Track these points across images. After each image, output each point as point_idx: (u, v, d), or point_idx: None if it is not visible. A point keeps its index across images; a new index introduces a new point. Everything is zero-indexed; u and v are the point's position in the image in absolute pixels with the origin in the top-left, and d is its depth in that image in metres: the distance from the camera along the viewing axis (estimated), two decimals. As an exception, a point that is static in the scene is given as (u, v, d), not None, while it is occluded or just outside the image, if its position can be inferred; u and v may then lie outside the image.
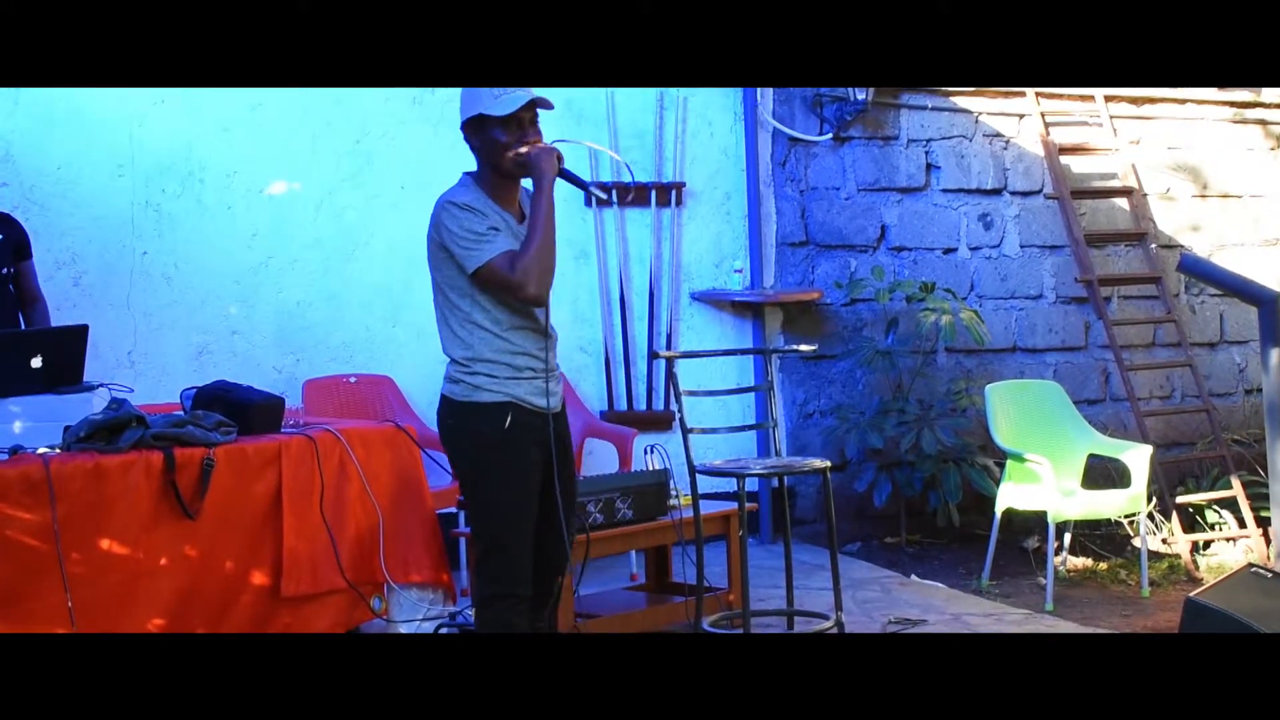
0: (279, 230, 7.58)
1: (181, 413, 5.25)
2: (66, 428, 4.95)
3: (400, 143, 7.71)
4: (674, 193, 8.29)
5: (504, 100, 4.43)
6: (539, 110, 4.53)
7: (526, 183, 4.57)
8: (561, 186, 4.55)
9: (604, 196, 4.90)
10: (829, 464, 5.75)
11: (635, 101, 8.24)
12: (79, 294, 7.09)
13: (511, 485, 4.47)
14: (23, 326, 6.21)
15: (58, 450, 4.86)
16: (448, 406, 4.52)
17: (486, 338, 4.43)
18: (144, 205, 7.32)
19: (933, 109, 8.88)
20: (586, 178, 7.79)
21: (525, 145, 4.48)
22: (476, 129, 4.49)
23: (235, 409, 5.30)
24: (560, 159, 4.49)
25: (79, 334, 5.59)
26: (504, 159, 4.48)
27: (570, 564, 4.79)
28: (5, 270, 6.19)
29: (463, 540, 6.59)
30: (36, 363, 5.24)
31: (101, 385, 5.46)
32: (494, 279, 4.38)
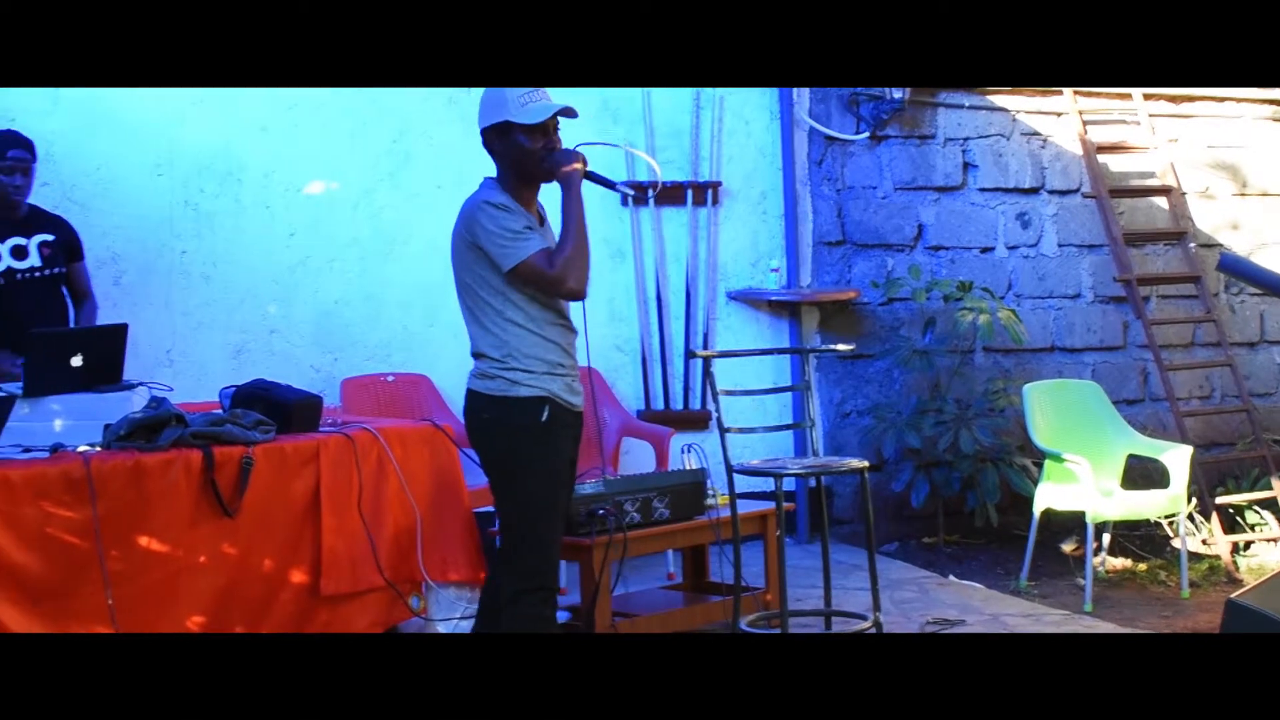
0: (317, 229, 7.60)
1: (220, 411, 5.26)
2: (106, 426, 4.97)
3: (437, 142, 7.73)
4: (710, 192, 8.29)
5: (531, 109, 4.55)
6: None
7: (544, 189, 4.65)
8: (592, 190, 4.65)
9: (631, 193, 4.97)
10: (866, 464, 5.73)
11: (671, 101, 8.24)
12: (119, 293, 7.12)
13: (549, 479, 4.57)
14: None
15: (98, 448, 4.88)
16: (482, 401, 4.57)
17: (522, 334, 4.50)
18: (183, 205, 7.35)
19: (970, 108, 8.85)
20: (624, 178, 7.88)
21: (551, 150, 4.59)
22: (501, 135, 4.58)
23: (274, 408, 5.31)
24: (585, 161, 4.60)
25: (118, 333, 5.62)
26: (531, 164, 4.58)
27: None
28: (58, 270, 6.27)
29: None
30: (77, 361, 5.26)
31: (141, 384, 5.48)
32: (532, 275, 4.45)
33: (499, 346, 4.52)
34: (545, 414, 4.53)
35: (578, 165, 4.59)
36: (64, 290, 6.36)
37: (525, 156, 4.58)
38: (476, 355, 4.61)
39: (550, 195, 4.69)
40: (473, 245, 4.50)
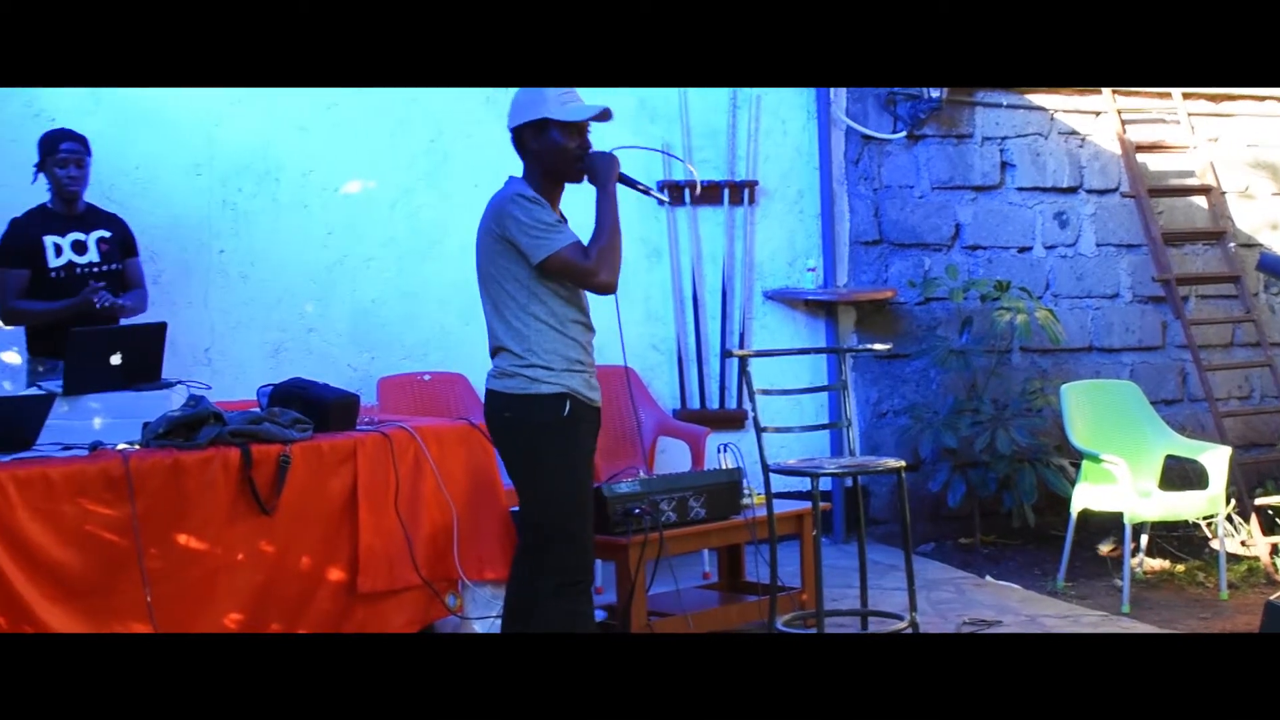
0: (354, 229, 7.63)
1: (258, 410, 5.28)
2: (145, 424, 5.00)
3: (475, 141, 7.74)
4: (747, 191, 8.28)
5: (571, 108, 4.61)
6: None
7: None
8: (627, 189, 4.70)
9: (664, 199, 5.00)
10: (903, 464, 5.71)
11: (708, 100, 8.24)
12: (157, 292, 7.13)
13: (575, 474, 4.62)
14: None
15: (137, 446, 4.91)
16: (502, 400, 4.62)
17: (543, 329, 4.55)
18: (221, 204, 7.39)
19: (1008, 106, 8.82)
20: (661, 177, 7.89)
21: (585, 150, 4.66)
22: (537, 132, 4.63)
23: (311, 406, 5.33)
24: (618, 163, 4.67)
25: (157, 332, 5.67)
26: (566, 163, 4.64)
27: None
28: (115, 266, 6.36)
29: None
30: (116, 360, 5.30)
31: (179, 382, 5.52)
32: (565, 267, 4.50)
33: (520, 341, 4.56)
34: (567, 409, 4.57)
35: (613, 167, 4.65)
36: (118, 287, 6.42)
37: (560, 155, 4.62)
38: (495, 351, 4.67)
39: (574, 196, 4.75)
40: (502, 238, 4.54)
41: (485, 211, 4.65)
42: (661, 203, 5.20)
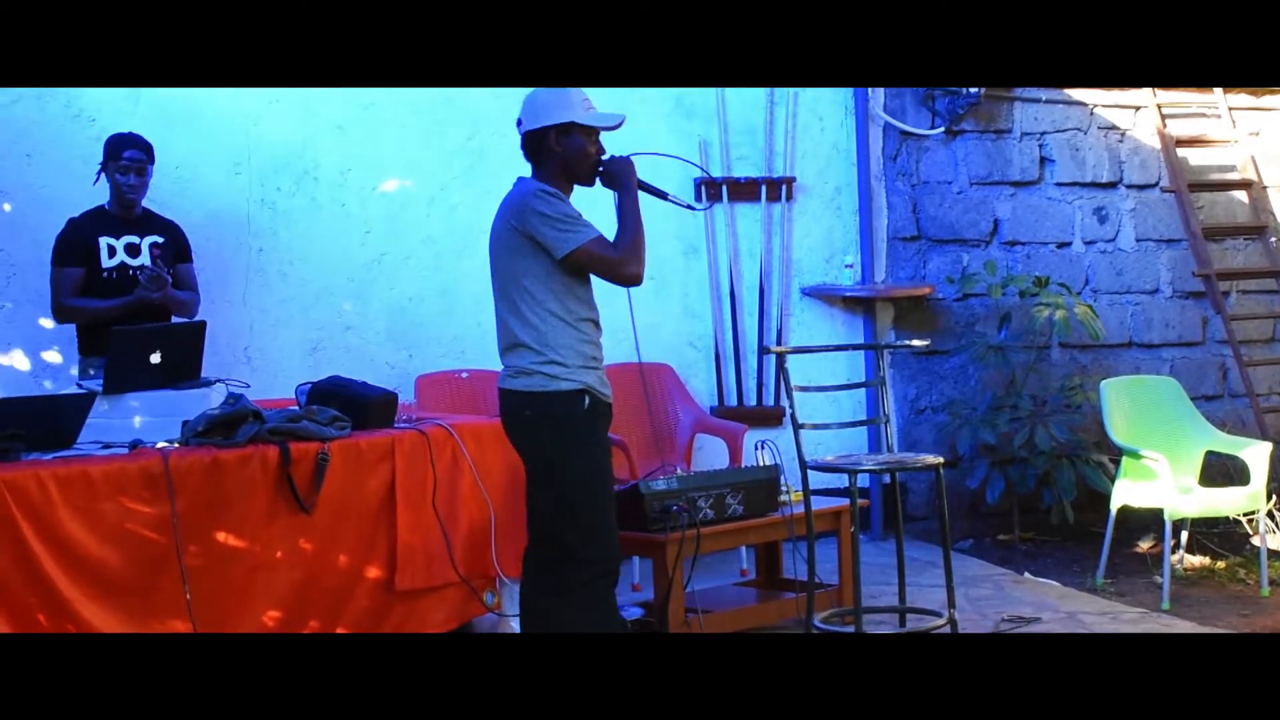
0: (392, 227, 7.65)
1: (297, 408, 5.30)
2: (184, 422, 5.02)
3: (511, 139, 7.61)
4: (784, 187, 8.27)
5: (595, 115, 4.73)
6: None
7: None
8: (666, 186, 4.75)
9: (681, 203, 5.03)
10: (941, 460, 5.70)
11: (745, 97, 8.23)
12: (196, 290, 7.20)
13: (600, 467, 4.68)
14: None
15: (176, 445, 4.93)
16: (522, 399, 4.66)
17: (559, 326, 4.61)
18: (259, 203, 7.41)
19: (1046, 101, 8.78)
20: (697, 175, 7.88)
21: (602, 154, 4.77)
22: (563, 134, 4.72)
23: (349, 404, 5.35)
24: (634, 167, 4.78)
25: (197, 330, 5.70)
26: (586, 166, 4.75)
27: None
28: (167, 272, 6.34)
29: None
30: (155, 358, 5.33)
31: (218, 381, 5.55)
32: (591, 259, 4.58)
33: (537, 338, 4.61)
34: (586, 404, 4.62)
35: (632, 173, 4.76)
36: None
37: (582, 158, 4.73)
38: (508, 349, 4.70)
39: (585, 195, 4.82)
40: (522, 233, 4.62)
41: (501, 210, 4.76)
42: (689, 207, 5.24)
